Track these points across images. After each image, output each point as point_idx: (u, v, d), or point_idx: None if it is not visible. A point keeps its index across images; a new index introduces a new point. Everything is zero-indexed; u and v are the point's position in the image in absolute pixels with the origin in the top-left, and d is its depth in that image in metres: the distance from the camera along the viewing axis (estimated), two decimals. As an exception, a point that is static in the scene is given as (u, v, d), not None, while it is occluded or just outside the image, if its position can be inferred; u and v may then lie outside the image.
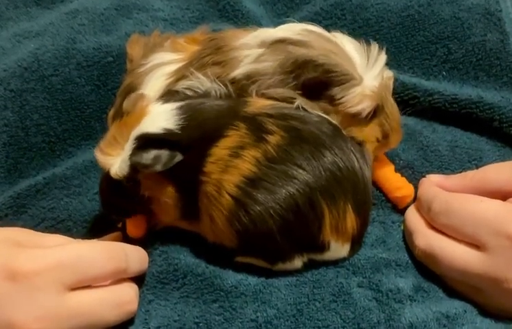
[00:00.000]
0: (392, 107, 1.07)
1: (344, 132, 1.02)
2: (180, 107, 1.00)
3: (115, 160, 0.99)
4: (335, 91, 1.01)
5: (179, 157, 0.97)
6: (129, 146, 0.98)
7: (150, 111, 1.01)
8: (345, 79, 1.00)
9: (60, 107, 1.26)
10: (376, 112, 1.05)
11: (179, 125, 0.98)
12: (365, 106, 1.02)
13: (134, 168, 0.97)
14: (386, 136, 1.07)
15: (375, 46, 1.05)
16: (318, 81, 1.01)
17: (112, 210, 1.08)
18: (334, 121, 1.02)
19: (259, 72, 1.02)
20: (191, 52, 1.11)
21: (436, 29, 1.27)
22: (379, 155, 1.12)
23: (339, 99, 1.01)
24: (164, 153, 0.96)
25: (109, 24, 1.35)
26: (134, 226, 1.08)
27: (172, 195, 1.02)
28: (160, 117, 0.99)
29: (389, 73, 1.07)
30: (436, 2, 1.29)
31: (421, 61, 1.28)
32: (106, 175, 1.01)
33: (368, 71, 1.03)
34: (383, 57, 1.05)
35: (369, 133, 1.05)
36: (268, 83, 1.02)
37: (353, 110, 1.01)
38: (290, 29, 1.06)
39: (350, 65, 1.01)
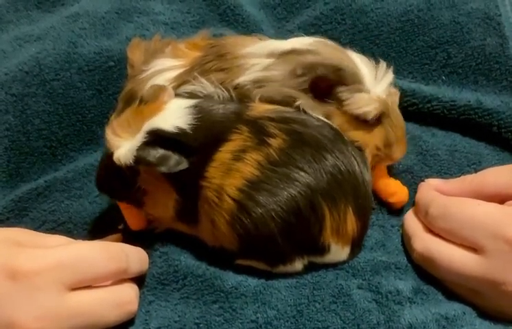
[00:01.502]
0: (398, 116, 1.08)
1: (346, 136, 1.03)
2: (195, 107, 1.01)
3: (122, 143, 1.00)
4: (343, 90, 1.01)
5: (184, 164, 0.97)
6: (139, 138, 0.98)
7: (167, 107, 1.01)
8: (354, 79, 1.01)
9: (62, 112, 1.26)
10: (381, 118, 1.05)
11: (191, 124, 0.99)
12: (371, 109, 1.02)
13: (139, 161, 0.98)
14: (389, 144, 1.07)
15: (383, 64, 1.06)
16: (328, 80, 1.01)
17: (104, 188, 1.08)
18: (335, 125, 1.03)
19: (268, 79, 1.03)
20: (192, 58, 1.12)
21: (436, 34, 1.28)
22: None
23: (346, 100, 1.02)
24: (171, 157, 0.96)
25: (110, 28, 1.35)
26: (134, 218, 1.08)
27: (169, 195, 1.02)
28: (174, 114, 1.00)
29: (395, 91, 1.09)
30: (435, 7, 1.29)
31: (420, 65, 1.28)
32: (109, 154, 1.01)
33: (375, 85, 1.04)
34: (390, 75, 1.06)
35: (372, 139, 1.06)
36: (276, 88, 1.03)
37: (359, 111, 1.02)
38: (299, 41, 1.07)
39: (359, 74, 1.03)
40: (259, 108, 1.02)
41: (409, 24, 1.29)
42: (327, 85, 1.02)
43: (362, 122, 1.04)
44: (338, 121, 1.03)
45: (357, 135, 1.04)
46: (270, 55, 1.05)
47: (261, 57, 1.06)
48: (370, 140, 1.06)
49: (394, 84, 1.20)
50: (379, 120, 1.05)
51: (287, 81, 1.03)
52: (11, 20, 1.44)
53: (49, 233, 1.06)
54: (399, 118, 1.08)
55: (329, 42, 1.08)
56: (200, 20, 1.41)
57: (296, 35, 1.11)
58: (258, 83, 1.04)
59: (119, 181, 1.03)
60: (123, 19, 1.38)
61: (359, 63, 1.05)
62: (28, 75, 1.27)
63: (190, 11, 1.42)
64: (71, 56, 1.29)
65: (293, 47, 1.05)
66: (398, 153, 1.09)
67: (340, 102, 1.03)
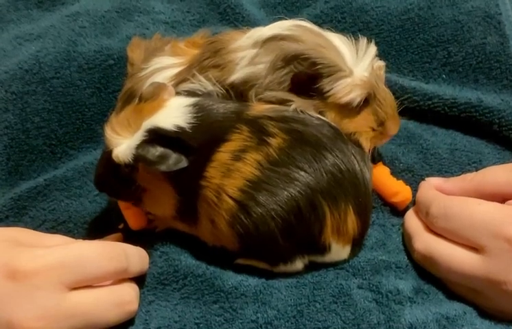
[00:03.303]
0: (385, 93, 1.07)
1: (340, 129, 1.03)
2: (194, 105, 1.01)
3: (121, 141, 1.00)
4: (324, 83, 1.01)
5: (184, 163, 0.97)
6: (138, 136, 0.98)
7: (167, 105, 1.01)
8: (333, 70, 1.01)
9: (61, 110, 1.26)
10: (368, 100, 1.05)
11: (191, 123, 0.98)
12: (355, 95, 1.02)
13: (138, 159, 0.98)
14: (381, 123, 1.06)
15: (363, 40, 1.05)
16: (306, 76, 1.01)
17: (103, 186, 1.07)
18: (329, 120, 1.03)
19: (255, 76, 1.03)
20: (191, 56, 1.12)
21: (436, 32, 1.28)
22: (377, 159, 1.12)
23: (328, 91, 1.01)
24: (171, 155, 0.96)
25: (110, 27, 1.36)
26: (134, 218, 1.08)
27: (167, 193, 1.02)
28: (173, 113, 1.00)
29: (380, 63, 1.07)
30: (436, 5, 1.29)
31: (420, 64, 1.28)
32: (108, 152, 1.01)
33: (358, 64, 1.03)
34: (372, 50, 1.05)
35: (362, 123, 1.05)
36: (263, 86, 1.03)
37: (344, 99, 1.01)
38: (280, 26, 1.07)
39: (339, 58, 1.02)
40: (259, 107, 1.01)
41: (409, 22, 1.29)
42: (306, 78, 1.01)
43: (349, 109, 1.04)
44: (328, 116, 1.03)
45: (347, 124, 1.04)
46: (255, 45, 1.05)
47: (248, 48, 1.06)
48: (361, 124, 1.05)
49: (395, 83, 1.20)
50: (366, 101, 1.05)
51: (270, 75, 1.02)
52: (11, 20, 1.44)
53: (49, 232, 1.06)
54: (387, 95, 1.07)
55: (309, 25, 1.07)
56: (200, 19, 1.41)
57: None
58: (248, 82, 1.04)
59: (117, 179, 1.03)
60: (124, 18, 1.38)
61: (339, 45, 1.04)
62: (28, 73, 1.27)
63: (190, 10, 1.42)
64: (70, 54, 1.30)
65: (274, 33, 1.05)
66: (393, 128, 1.08)
67: (323, 94, 1.02)
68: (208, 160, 0.98)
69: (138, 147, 0.97)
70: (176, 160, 0.96)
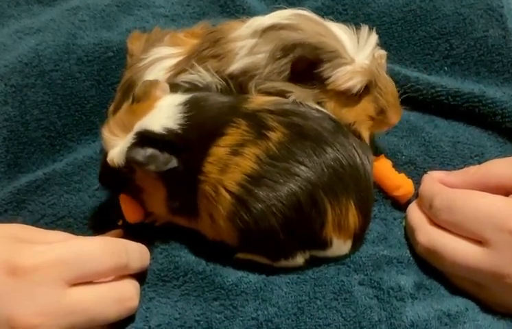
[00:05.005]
0: (386, 81, 1.06)
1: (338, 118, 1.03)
2: (185, 103, 1.00)
3: (117, 143, 1.00)
4: (325, 68, 1.00)
5: (174, 162, 0.97)
6: (129, 139, 0.98)
7: (158, 106, 1.01)
8: (333, 55, 1.00)
9: (60, 102, 1.26)
10: (369, 88, 1.04)
11: (181, 124, 0.98)
12: (356, 82, 1.01)
13: (129, 161, 0.98)
14: (381, 111, 1.06)
15: (364, 28, 1.05)
16: (307, 61, 1.00)
17: (105, 184, 1.09)
18: (328, 110, 1.02)
19: (254, 66, 1.03)
20: (191, 46, 1.12)
21: (438, 25, 1.28)
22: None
23: (328, 78, 1.01)
24: (160, 155, 0.96)
25: (110, 20, 1.36)
26: (131, 210, 1.08)
27: (162, 193, 1.02)
28: (163, 114, 0.99)
29: (381, 52, 1.07)
30: (438, -3, 1.29)
31: (422, 56, 1.28)
32: (107, 153, 1.02)
33: (359, 52, 1.02)
34: (373, 38, 1.05)
35: (362, 112, 1.05)
36: (263, 76, 1.02)
37: (344, 86, 1.01)
38: (280, 15, 1.06)
39: (340, 46, 1.01)
40: (258, 100, 1.01)
41: (411, 14, 1.29)
42: (307, 65, 1.01)
43: (350, 96, 1.03)
44: (328, 105, 1.03)
45: (346, 113, 1.04)
46: (254, 34, 1.05)
47: (247, 38, 1.05)
48: (362, 112, 1.05)
49: (398, 72, 1.20)
50: (366, 89, 1.04)
51: (270, 65, 1.02)
52: (12, 15, 1.44)
53: (48, 227, 1.07)
54: (388, 83, 1.07)
55: (309, 14, 1.07)
56: (200, 12, 1.41)
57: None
58: (248, 72, 1.03)
59: (117, 178, 1.03)
60: (123, 12, 1.38)
61: (340, 33, 1.03)
62: (27, 66, 1.27)
63: (190, 3, 1.42)
64: (70, 47, 1.29)
65: (273, 22, 1.05)
66: (394, 117, 1.08)
67: (323, 81, 1.02)
68: (205, 155, 0.98)
69: (129, 149, 0.98)
70: (165, 160, 0.97)
